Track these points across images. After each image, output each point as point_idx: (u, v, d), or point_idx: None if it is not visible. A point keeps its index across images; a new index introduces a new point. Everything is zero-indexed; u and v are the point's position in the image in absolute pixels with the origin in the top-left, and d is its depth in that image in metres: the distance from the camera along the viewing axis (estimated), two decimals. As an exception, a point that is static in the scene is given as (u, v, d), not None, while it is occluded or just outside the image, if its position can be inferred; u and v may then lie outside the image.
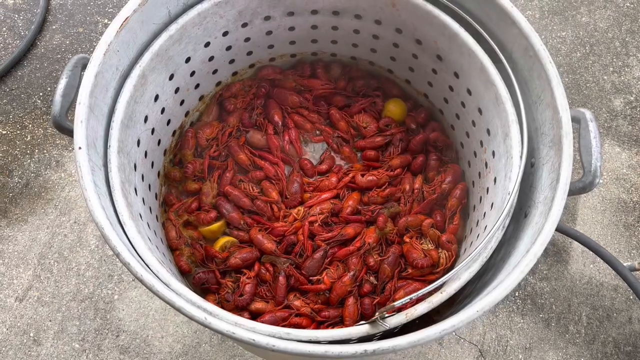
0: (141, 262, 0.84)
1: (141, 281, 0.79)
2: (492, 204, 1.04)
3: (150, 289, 0.79)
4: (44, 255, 1.71)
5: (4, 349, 1.59)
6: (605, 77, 2.02)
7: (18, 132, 1.86)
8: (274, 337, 0.79)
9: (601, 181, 1.87)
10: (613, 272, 1.70)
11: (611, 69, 2.04)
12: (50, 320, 1.63)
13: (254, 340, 0.76)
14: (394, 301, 1.12)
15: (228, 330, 0.77)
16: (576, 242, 1.73)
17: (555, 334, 1.66)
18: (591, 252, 1.67)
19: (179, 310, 0.77)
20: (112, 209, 0.90)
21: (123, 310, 1.64)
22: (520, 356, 1.64)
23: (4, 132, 1.86)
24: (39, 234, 1.73)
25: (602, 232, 1.80)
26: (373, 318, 0.83)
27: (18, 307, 1.65)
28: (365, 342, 0.78)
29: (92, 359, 1.59)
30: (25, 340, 1.60)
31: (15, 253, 1.72)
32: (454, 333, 1.65)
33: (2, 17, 2.04)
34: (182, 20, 1.06)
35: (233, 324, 0.79)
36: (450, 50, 1.11)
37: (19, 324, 1.62)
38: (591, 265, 1.75)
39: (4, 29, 2.02)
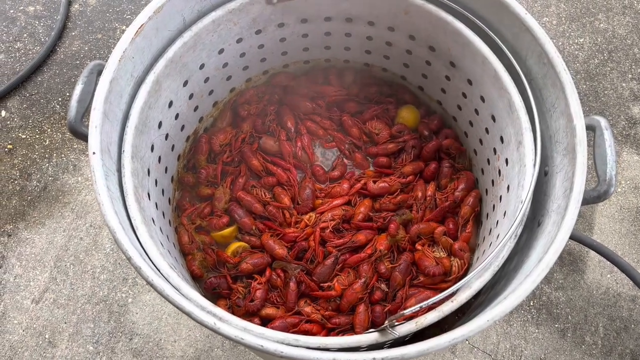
0: (152, 267, 0.85)
1: (151, 285, 0.80)
2: (505, 212, 1.03)
3: (160, 293, 0.79)
4: (60, 258, 1.74)
5: (20, 350, 1.61)
6: (623, 84, 1.99)
7: (37, 136, 1.89)
8: (282, 343, 0.79)
9: (619, 190, 1.84)
10: (631, 282, 1.67)
11: (630, 75, 2.01)
12: (65, 323, 1.65)
13: (262, 346, 0.77)
14: (405, 309, 1.11)
15: (237, 335, 0.77)
16: (593, 252, 1.70)
17: (571, 345, 1.63)
18: (608, 262, 1.65)
19: (188, 315, 0.78)
20: (125, 213, 0.91)
21: (137, 313, 1.65)
22: (535, 366, 1.62)
23: (24, 136, 1.89)
24: (55, 237, 1.76)
25: (620, 242, 1.77)
26: (382, 326, 0.83)
27: (34, 309, 1.67)
28: (374, 350, 0.78)
29: (106, 361, 1.60)
30: (40, 342, 1.62)
31: (33, 255, 1.74)
32: (467, 342, 1.63)
33: (23, 24, 2.09)
34: (196, 28, 1.07)
35: (242, 329, 0.80)
36: (463, 58, 1.11)
37: (34, 326, 1.64)
38: (608, 275, 1.72)
39: (25, 35, 2.06)
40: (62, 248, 1.75)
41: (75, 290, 1.69)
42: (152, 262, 0.87)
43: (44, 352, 1.61)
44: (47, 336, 1.63)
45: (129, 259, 0.81)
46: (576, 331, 1.65)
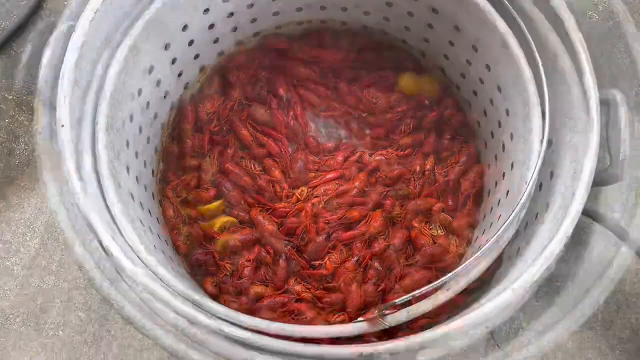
0: (127, 247, 0.80)
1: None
2: (508, 191, 0.97)
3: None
4: (50, 224, 1.70)
5: (11, 316, 1.60)
6: (639, 48, 1.88)
7: (24, 97, 1.82)
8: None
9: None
10: (635, 256, 1.63)
11: (647, 38, 1.90)
12: (56, 289, 1.63)
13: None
14: (400, 289, 1.07)
15: (217, 327, 0.72)
16: (598, 224, 1.65)
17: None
18: (612, 235, 1.60)
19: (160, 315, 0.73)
20: (100, 191, 0.85)
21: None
22: (533, 340, 1.60)
23: (10, 97, 1.82)
24: (45, 203, 1.71)
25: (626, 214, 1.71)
26: (372, 315, 0.78)
27: (25, 275, 1.64)
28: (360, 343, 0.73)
29: (97, 328, 1.59)
30: (32, 308, 1.60)
31: (22, 221, 1.70)
32: (464, 314, 1.61)
33: (5, -23, 1.98)
34: (177, -15, 0.98)
35: (223, 316, 0.75)
36: (469, 22, 1.02)
37: (25, 292, 1.62)
38: (612, 248, 1.68)
39: (8, -11, 1.95)
40: (52, 214, 1.71)
41: (66, 257, 1.66)
42: (127, 244, 0.82)
43: (36, 319, 1.60)
44: (38, 302, 1.61)
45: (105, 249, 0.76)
46: (577, 305, 1.62)
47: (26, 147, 1.76)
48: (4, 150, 1.75)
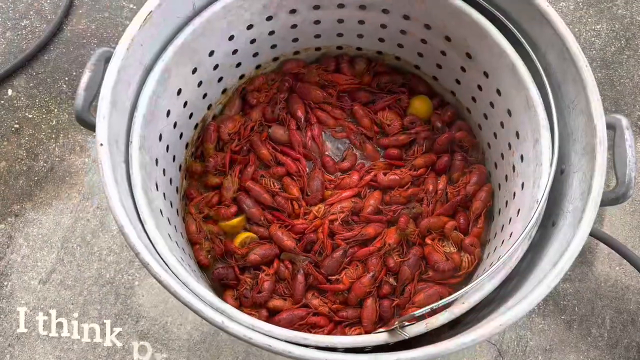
0: (160, 261, 0.84)
1: (160, 282, 0.79)
2: (519, 210, 1.01)
3: (168, 289, 0.79)
4: (67, 239, 1.74)
5: (27, 330, 1.63)
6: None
7: (44, 116, 1.87)
8: (291, 342, 0.78)
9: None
10: (640, 275, 1.66)
11: (647, 64, 1.96)
12: (72, 304, 1.66)
13: (270, 345, 0.76)
14: (413, 304, 1.10)
15: (245, 335, 0.76)
16: (602, 244, 1.69)
17: (577, 337, 1.63)
18: (617, 255, 1.63)
19: (196, 313, 0.77)
20: (133, 205, 0.90)
21: (143, 296, 1.65)
22: (540, 358, 1.62)
23: (30, 115, 1.87)
24: (62, 218, 1.75)
25: (630, 234, 1.75)
26: (392, 327, 0.82)
27: (42, 290, 1.68)
28: (381, 351, 0.77)
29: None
30: (47, 322, 1.63)
31: (40, 236, 1.74)
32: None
33: (30, 1, 2.05)
34: (206, 14, 1.04)
35: (250, 327, 0.79)
36: (480, 49, 1.08)
37: (42, 306, 1.65)
38: (617, 268, 1.71)
39: (32, 12, 2.02)
40: (69, 229, 1.75)
41: (82, 272, 1.69)
42: (160, 256, 0.86)
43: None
44: (54, 316, 1.64)
45: (137, 254, 0.80)
46: (582, 323, 1.64)
47: (45, 165, 1.81)
48: (23, 167, 1.80)
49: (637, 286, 1.69)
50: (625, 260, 1.62)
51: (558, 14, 0.95)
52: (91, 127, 0.90)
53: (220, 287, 1.16)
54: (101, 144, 0.85)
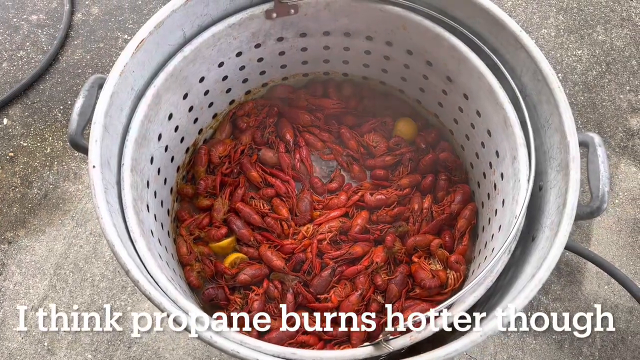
0: (150, 280, 0.86)
1: (149, 298, 0.81)
2: (500, 226, 1.04)
3: (157, 306, 0.81)
4: (60, 266, 1.74)
5: (18, 357, 1.62)
6: (621, 96, 2.00)
7: (38, 144, 1.90)
8: (279, 357, 0.79)
9: (616, 201, 1.84)
10: (628, 294, 1.68)
11: (627, 87, 2.02)
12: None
13: (258, 360, 0.77)
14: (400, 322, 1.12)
15: (233, 349, 0.78)
16: (590, 263, 1.71)
17: (568, 356, 1.64)
18: (606, 274, 1.65)
19: (185, 329, 0.79)
20: (124, 226, 0.92)
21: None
22: (533, 379, 1.62)
23: (25, 144, 1.90)
24: (55, 245, 1.77)
25: (618, 253, 1.77)
26: (377, 340, 0.83)
27: (33, 317, 1.68)
28: (367, 364, 0.79)
29: (104, 369, 1.61)
30: (39, 350, 1.63)
31: (33, 263, 1.75)
32: (465, 353, 1.64)
33: (26, 32, 2.10)
34: (196, 42, 1.08)
35: (238, 343, 0.80)
36: (460, 73, 1.12)
37: (33, 333, 1.65)
38: (606, 287, 1.73)
39: (28, 44, 2.08)
40: (62, 256, 1.76)
41: (75, 298, 1.70)
42: (150, 275, 0.88)
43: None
44: (45, 344, 1.64)
45: (127, 272, 0.82)
46: (573, 342, 1.65)
47: (39, 192, 1.83)
48: (17, 195, 1.82)
49: (625, 305, 1.70)
50: (613, 280, 1.64)
51: (534, 41, 1.00)
52: (84, 150, 0.93)
53: (210, 308, 1.17)
54: (94, 166, 0.88)
